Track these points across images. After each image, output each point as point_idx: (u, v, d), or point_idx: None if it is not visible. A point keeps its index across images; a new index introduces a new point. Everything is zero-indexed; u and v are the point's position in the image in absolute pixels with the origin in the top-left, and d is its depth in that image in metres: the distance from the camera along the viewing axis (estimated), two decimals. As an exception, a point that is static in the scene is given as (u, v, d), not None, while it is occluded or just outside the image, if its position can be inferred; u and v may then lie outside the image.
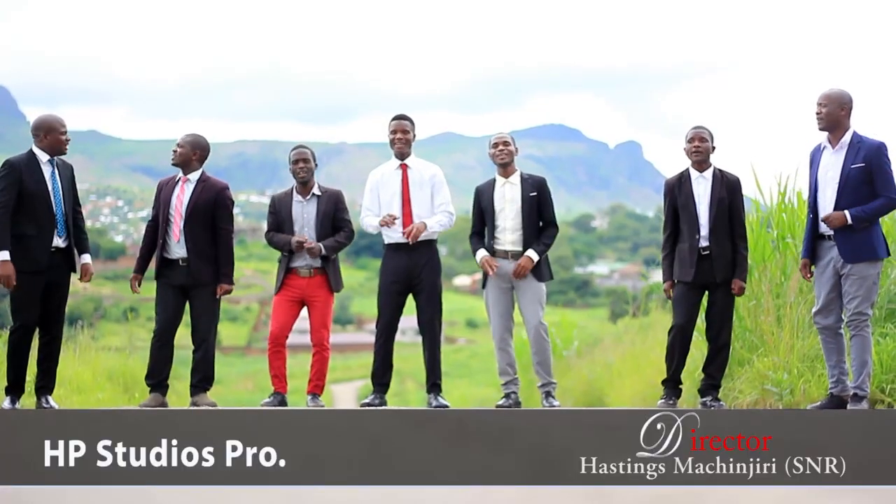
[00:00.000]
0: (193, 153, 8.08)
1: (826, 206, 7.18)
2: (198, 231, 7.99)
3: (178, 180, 8.12)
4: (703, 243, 7.72)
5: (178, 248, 8.00)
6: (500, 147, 8.12)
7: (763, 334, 8.73)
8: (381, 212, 8.17)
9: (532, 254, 8.00)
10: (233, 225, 8.20)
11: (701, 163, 7.81)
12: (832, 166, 7.17)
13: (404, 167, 8.20)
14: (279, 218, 8.31)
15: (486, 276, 8.13)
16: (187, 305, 8.15)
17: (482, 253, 8.09)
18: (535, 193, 8.11)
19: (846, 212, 7.07)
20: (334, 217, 8.30)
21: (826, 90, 7.23)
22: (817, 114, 7.18)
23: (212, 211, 8.02)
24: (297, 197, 8.31)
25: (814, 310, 7.33)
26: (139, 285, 8.16)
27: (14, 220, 7.53)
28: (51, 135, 7.65)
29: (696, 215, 7.73)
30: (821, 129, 7.20)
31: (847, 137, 7.17)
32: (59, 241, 7.67)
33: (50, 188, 7.66)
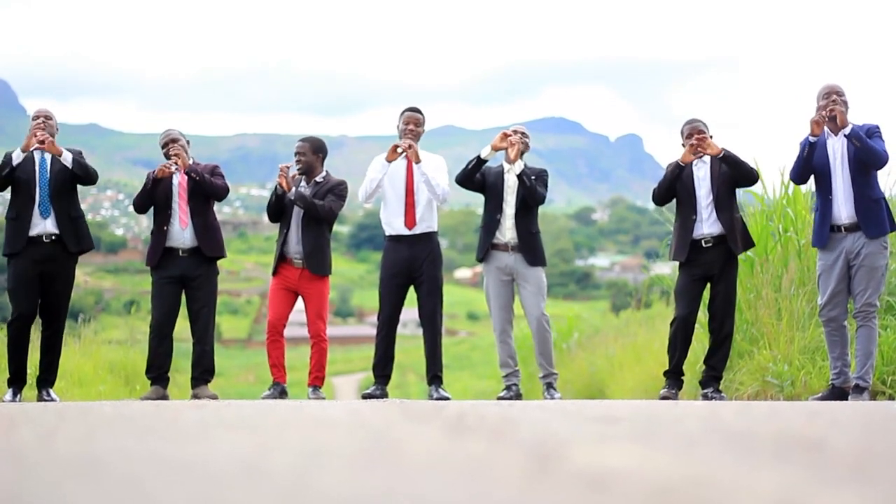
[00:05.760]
0: (188, 142, 8.28)
1: (840, 188, 7.18)
2: (202, 213, 8.10)
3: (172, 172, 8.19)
4: (704, 231, 7.67)
5: (184, 236, 8.03)
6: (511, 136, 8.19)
7: (763, 326, 8.72)
8: (385, 200, 8.18)
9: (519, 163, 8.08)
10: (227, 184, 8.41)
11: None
12: (838, 151, 7.22)
13: (410, 159, 8.19)
14: (282, 202, 8.31)
15: (485, 254, 8.11)
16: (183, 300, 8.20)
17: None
18: (535, 178, 8.19)
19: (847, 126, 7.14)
20: (326, 197, 8.28)
21: (830, 84, 7.24)
22: (842, 105, 7.17)
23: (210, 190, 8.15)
24: (302, 184, 8.37)
25: (819, 302, 7.33)
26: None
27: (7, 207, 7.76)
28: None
29: (694, 198, 7.70)
30: (844, 124, 7.18)
31: (849, 127, 7.21)
32: (45, 226, 7.67)
33: (36, 174, 7.70)
